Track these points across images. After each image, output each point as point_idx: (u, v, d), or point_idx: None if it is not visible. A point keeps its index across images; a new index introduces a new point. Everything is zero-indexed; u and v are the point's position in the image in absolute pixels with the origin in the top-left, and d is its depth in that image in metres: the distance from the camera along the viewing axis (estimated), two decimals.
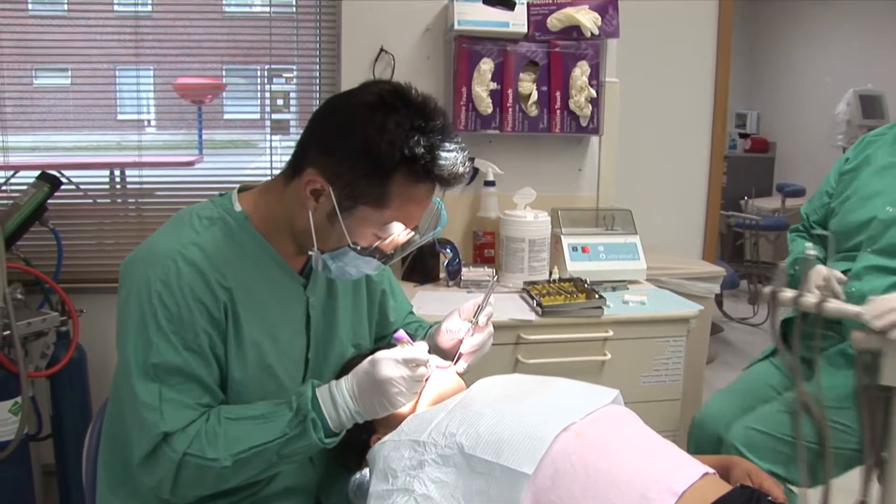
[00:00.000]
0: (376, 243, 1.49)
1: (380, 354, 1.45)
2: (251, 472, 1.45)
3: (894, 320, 1.81)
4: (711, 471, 1.39)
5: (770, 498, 1.37)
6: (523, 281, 2.76)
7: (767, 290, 2.07)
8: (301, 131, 1.51)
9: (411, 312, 1.97)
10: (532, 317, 2.46)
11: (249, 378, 1.52)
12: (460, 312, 1.69)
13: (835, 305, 1.99)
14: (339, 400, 1.44)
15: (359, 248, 1.48)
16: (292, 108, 3.24)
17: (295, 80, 3.28)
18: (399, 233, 1.49)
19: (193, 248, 1.46)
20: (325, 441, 1.43)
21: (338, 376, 1.52)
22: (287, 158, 1.54)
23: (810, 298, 2.00)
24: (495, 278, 1.75)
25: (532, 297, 2.56)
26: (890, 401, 1.97)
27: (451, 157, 1.44)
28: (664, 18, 3.81)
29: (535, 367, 2.44)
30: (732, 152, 8.16)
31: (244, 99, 3.49)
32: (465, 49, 2.87)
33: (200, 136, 3.40)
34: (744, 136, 8.42)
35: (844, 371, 2.11)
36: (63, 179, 2.87)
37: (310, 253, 1.51)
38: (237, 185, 1.63)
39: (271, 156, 3.22)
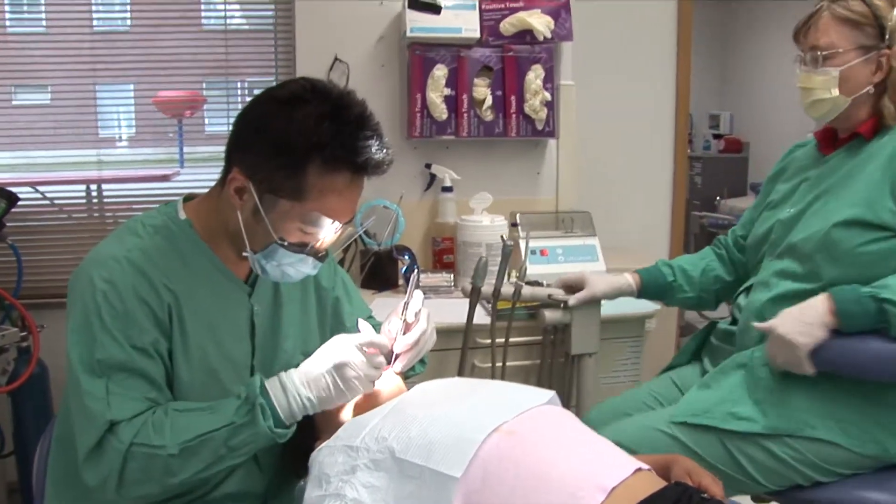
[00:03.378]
0: (307, 240, 1.50)
1: (340, 336, 1.47)
2: (199, 464, 1.43)
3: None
4: (646, 467, 1.39)
5: (705, 495, 1.38)
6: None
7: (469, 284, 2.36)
8: None
9: (371, 317, 1.97)
10: (486, 320, 2.46)
11: (195, 380, 1.53)
12: (396, 312, 1.67)
13: (529, 290, 2.35)
14: (290, 387, 1.45)
15: (286, 243, 1.49)
16: None
17: None
18: (326, 228, 1.49)
19: (138, 251, 1.49)
20: (275, 430, 1.43)
21: None
22: None
23: (509, 288, 2.34)
24: (415, 273, 1.74)
25: (487, 301, 2.56)
26: (577, 367, 2.41)
27: (365, 143, 1.43)
28: (623, 20, 3.82)
29: (490, 371, 2.44)
30: (706, 153, 8.21)
31: (223, 113, 3.49)
32: (419, 56, 2.88)
33: (181, 151, 3.41)
34: (717, 136, 8.45)
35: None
36: (36, 194, 2.88)
37: (244, 254, 1.52)
38: None
39: None
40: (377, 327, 1.82)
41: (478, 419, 1.38)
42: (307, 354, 1.70)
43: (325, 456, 1.43)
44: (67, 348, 1.46)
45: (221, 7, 3.26)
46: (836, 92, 1.89)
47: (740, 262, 2.27)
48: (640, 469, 1.35)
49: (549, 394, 1.54)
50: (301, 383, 1.45)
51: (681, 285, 2.27)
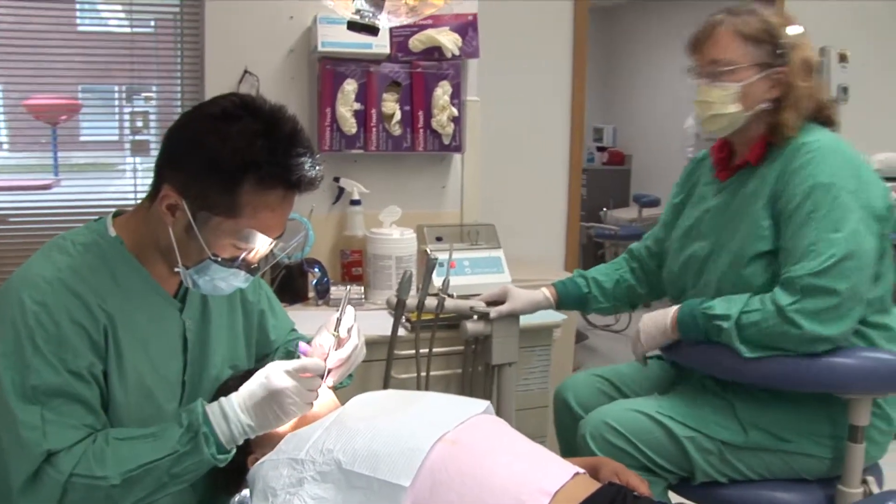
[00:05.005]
0: (240, 255, 1.51)
1: (273, 365, 1.48)
2: (141, 493, 1.42)
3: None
4: (582, 470, 1.46)
5: (637, 493, 1.45)
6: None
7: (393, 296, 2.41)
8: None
9: (294, 329, 2.00)
10: (401, 332, 2.49)
11: (130, 401, 1.51)
12: (327, 326, 1.69)
13: (452, 303, 2.41)
14: (231, 414, 1.46)
15: (220, 259, 1.50)
16: (153, 129, 3.19)
17: (155, 101, 3.22)
18: (259, 243, 1.51)
19: (69, 271, 1.46)
20: (217, 457, 1.44)
21: (213, 398, 1.53)
22: (150, 180, 1.55)
23: (432, 300, 2.39)
24: (348, 289, 1.78)
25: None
26: (497, 376, 2.50)
27: (299, 161, 1.46)
28: (523, 36, 3.92)
29: (408, 382, 2.48)
30: (591, 165, 8.44)
31: (103, 119, 3.38)
32: (329, 70, 2.90)
33: (56, 159, 3.29)
34: (601, 149, 8.71)
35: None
36: None
37: (175, 270, 1.52)
38: (99, 209, 1.62)
39: (136, 178, 3.12)
40: (306, 340, 1.84)
41: (421, 429, 1.43)
42: (235, 367, 1.73)
43: (269, 469, 1.45)
44: None
45: (102, 10, 3.19)
46: (734, 108, 1.93)
47: (653, 273, 2.37)
48: (577, 473, 1.42)
49: (485, 404, 1.60)
50: (241, 409, 1.47)
51: (595, 296, 2.37)
